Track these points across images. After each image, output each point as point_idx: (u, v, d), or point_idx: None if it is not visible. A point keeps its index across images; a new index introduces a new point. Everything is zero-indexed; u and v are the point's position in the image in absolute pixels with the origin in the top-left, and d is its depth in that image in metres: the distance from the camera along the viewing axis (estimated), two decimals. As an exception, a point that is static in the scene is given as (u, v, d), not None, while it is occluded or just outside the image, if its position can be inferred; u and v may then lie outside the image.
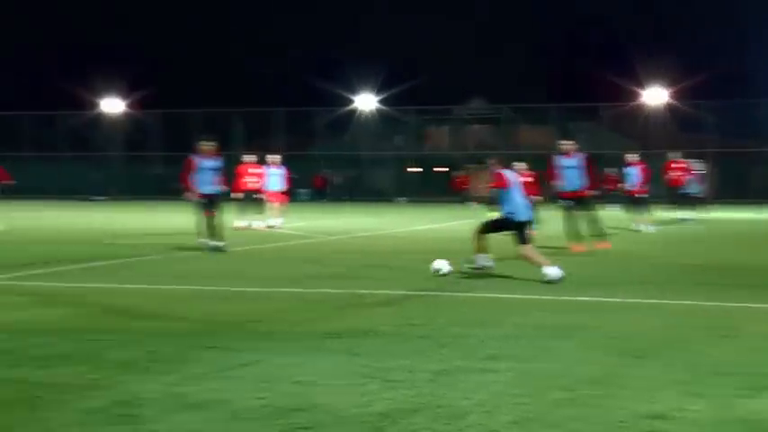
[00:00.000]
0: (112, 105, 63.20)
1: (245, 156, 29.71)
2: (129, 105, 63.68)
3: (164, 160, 62.09)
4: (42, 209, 41.86)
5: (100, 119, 64.10)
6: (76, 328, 9.46)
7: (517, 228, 14.16)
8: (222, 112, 60.31)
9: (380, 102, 66.86)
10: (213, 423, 6.03)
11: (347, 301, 11.60)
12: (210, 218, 19.34)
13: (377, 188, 64.98)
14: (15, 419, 6.09)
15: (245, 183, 28.79)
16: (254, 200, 28.77)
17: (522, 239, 14.11)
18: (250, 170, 29.07)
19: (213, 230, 19.23)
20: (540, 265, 13.68)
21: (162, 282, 13.68)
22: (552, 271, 13.44)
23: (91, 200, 52.65)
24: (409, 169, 67.96)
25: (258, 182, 28.88)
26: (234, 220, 26.94)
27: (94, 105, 63.64)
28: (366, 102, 67.07)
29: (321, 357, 8.02)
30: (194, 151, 19.70)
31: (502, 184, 14.27)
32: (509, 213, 14.20)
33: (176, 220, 30.05)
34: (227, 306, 11.18)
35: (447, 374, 7.37)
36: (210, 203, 19.44)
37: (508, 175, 14.51)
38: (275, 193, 29.03)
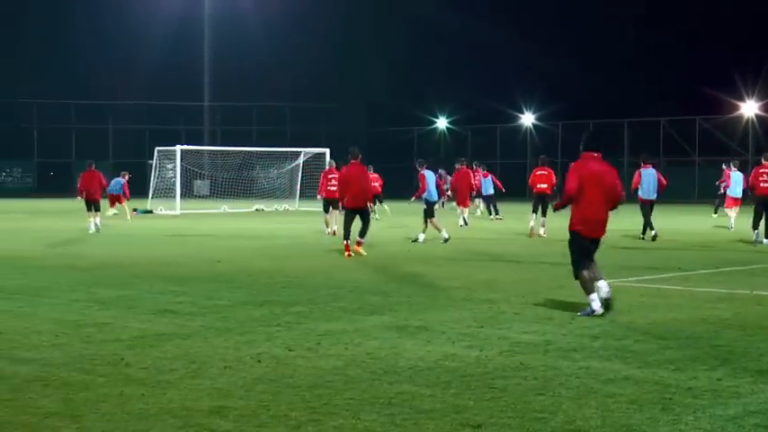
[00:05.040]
0: (749, 108, 61.78)
1: None
2: (765, 107, 61.61)
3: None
4: (673, 213, 42.20)
5: (733, 122, 63.03)
6: (703, 334, 9.38)
7: None
8: None
9: None
10: None
11: None
12: None
13: None
14: (645, 419, 6.19)
15: None
16: None
17: None
18: None
19: None
20: None
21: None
22: None
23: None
24: None
25: None
26: None
27: (733, 108, 62.73)
28: None
29: None
30: None
31: None
32: None
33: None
34: None
35: None
36: None
37: None
38: None
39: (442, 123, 75.80)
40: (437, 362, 8.00)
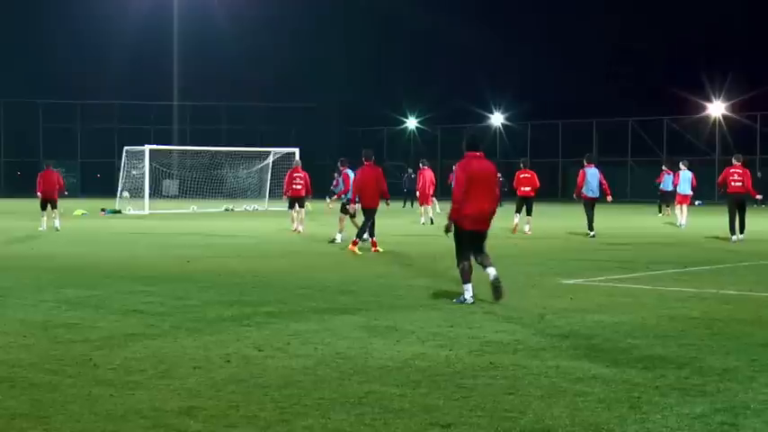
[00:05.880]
0: (716, 108, 62.19)
1: None
2: (732, 108, 62.09)
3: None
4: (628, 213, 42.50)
5: (701, 123, 63.41)
6: (671, 333, 9.45)
7: None
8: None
9: None
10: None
11: None
12: None
13: None
14: (613, 417, 6.23)
15: None
16: None
17: None
18: None
19: None
20: None
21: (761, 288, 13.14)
22: None
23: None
24: None
25: None
26: None
27: (701, 108, 63.12)
28: None
29: None
30: None
31: None
32: None
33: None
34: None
35: None
36: None
37: None
38: None
39: (411, 123, 75.84)
40: (407, 361, 8.01)
